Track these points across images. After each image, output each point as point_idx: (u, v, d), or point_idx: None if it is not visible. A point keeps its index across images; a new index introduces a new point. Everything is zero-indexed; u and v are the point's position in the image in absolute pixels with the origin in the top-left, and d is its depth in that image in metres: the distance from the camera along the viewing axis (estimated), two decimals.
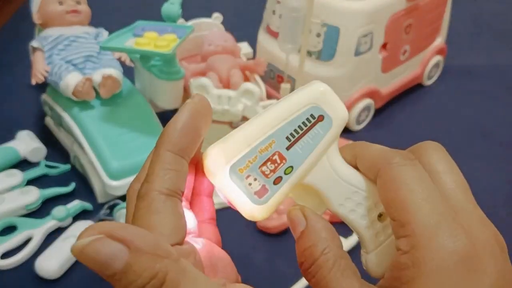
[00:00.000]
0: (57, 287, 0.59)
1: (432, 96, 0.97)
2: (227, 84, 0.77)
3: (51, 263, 0.59)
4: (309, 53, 0.80)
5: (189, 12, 0.91)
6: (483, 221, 0.22)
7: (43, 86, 0.77)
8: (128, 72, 0.79)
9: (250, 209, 0.23)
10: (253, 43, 0.95)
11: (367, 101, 0.85)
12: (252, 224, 0.68)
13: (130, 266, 0.17)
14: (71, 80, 0.69)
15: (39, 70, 0.72)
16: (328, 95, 0.24)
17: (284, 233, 0.67)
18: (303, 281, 0.59)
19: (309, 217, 0.23)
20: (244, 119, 0.69)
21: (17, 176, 0.71)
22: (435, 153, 0.24)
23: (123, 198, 0.69)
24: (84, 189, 0.72)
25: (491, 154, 0.84)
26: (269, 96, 0.86)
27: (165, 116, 0.78)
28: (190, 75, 0.79)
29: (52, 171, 0.74)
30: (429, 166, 0.23)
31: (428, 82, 1.00)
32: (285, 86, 0.79)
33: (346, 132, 0.85)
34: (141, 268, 0.18)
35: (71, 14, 0.77)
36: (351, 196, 0.24)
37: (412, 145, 0.25)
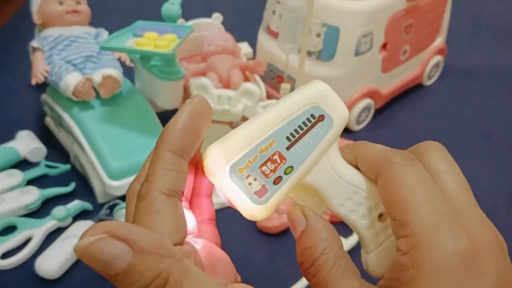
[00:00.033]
0: (57, 287, 0.59)
1: (432, 96, 0.97)
2: (227, 84, 0.77)
3: (51, 263, 0.59)
4: (309, 53, 0.80)
5: (189, 12, 0.91)
6: (483, 221, 0.22)
7: (43, 86, 0.77)
8: (128, 72, 0.79)
9: (250, 209, 0.23)
10: (253, 43, 0.95)
11: (367, 101, 0.85)
12: (252, 224, 0.68)
13: (133, 266, 0.17)
14: (71, 80, 0.69)
15: (39, 70, 0.72)
16: (329, 95, 0.24)
17: (284, 233, 0.67)
18: (303, 281, 0.59)
19: (309, 217, 0.23)
20: (244, 119, 0.69)
21: (17, 176, 0.71)
22: (435, 153, 0.24)
23: (123, 198, 0.69)
24: (84, 189, 0.72)
25: (491, 154, 0.84)
26: (269, 96, 0.86)
27: (165, 116, 0.78)
28: (190, 75, 0.79)
29: (52, 171, 0.74)
30: (429, 166, 0.23)
31: (428, 82, 1.00)
32: (285, 86, 0.79)
33: (346, 132, 0.85)
34: (145, 268, 0.18)
35: (71, 14, 0.77)
36: (351, 196, 0.24)
37: (412, 145, 0.25)
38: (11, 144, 0.76)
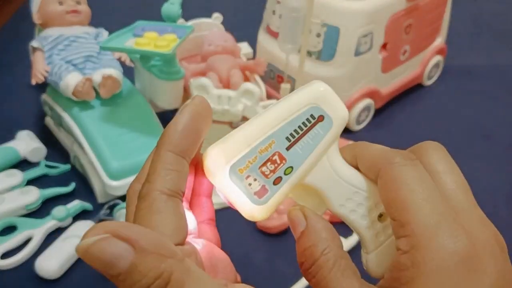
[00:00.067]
0: (57, 287, 0.59)
1: (432, 96, 0.97)
2: (227, 84, 0.77)
3: (51, 263, 0.59)
4: (309, 53, 0.80)
5: (189, 12, 0.91)
6: (483, 221, 0.22)
7: (43, 86, 0.77)
8: (128, 72, 0.79)
9: (250, 209, 0.23)
10: (253, 43, 0.95)
11: (367, 101, 0.85)
12: (252, 224, 0.68)
13: (135, 266, 0.17)
14: (71, 80, 0.69)
15: (39, 70, 0.72)
16: (328, 95, 0.24)
17: (284, 233, 0.67)
18: (303, 281, 0.59)
19: (309, 217, 0.23)
20: (244, 119, 0.69)
21: (17, 176, 0.71)
22: (435, 153, 0.24)
23: (123, 198, 0.69)
24: (84, 189, 0.72)
25: (491, 154, 0.84)
26: (269, 96, 0.86)
27: (165, 116, 0.78)
28: (190, 75, 0.79)
29: (52, 171, 0.74)
30: (429, 166, 0.23)
31: (428, 82, 1.00)
32: (285, 86, 0.79)
33: (346, 132, 0.85)
34: (146, 268, 0.18)
35: (71, 14, 0.77)
36: (351, 196, 0.24)
37: (412, 145, 0.25)
38: (11, 144, 0.76)
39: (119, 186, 0.66)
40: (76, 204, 0.67)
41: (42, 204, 0.69)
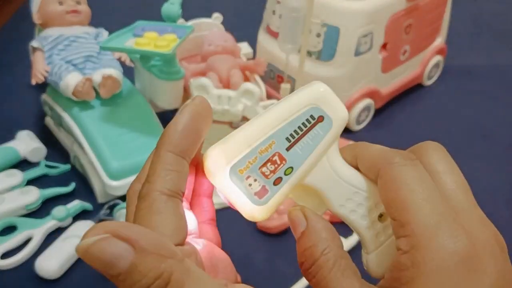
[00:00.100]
0: (57, 287, 0.59)
1: (432, 96, 0.97)
2: (227, 84, 0.77)
3: (51, 263, 0.59)
4: (309, 53, 0.80)
5: (189, 12, 0.91)
6: (483, 221, 0.22)
7: (43, 86, 0.77)
8: (128, 72, 0.79)
9: (250, 210, 0.23)
10: (253, 43, 0.95)
11: (367, 101, 0.85)
12: (252, 224, 0.68)
13: (135, 266, 0.17)
14: (71, 80, 0.69)
15: (39, 70, 0.72)
16: (328, 96, 0.24)
17: (284, 233, 0.67)
18: (303, 281, 0.59)
19: (309, 217, 0.23)
20: (244, 119, 0.69)
21: (17, 176, 0.71)
22: (435, 153, 0.24)
23: (123, 198, 0.69)
24: (84, 189, 0.72)
25: (491, 154, 0.84)
26: (269, 96, 0.86)
27: (165, 116, 0.78)
28: (190, 75, 0.79)
29: (52, 171, 0.74)
30: (429, 166, 0.23)
31: (428, 82, 1.00)
32: (285, 86, 0.79)
33: (346, 132, 0.85)
34: (146, 268, 0.18)
35: (71, 14, 0.77)
36: (351, 196, 0.24)
37: (412, 145, 0.25)
38: (11, 144, 0.76)
39: (119, 186, 0.66)
40: (76, 204, 0.67)
41: (42, 204, 0.69)
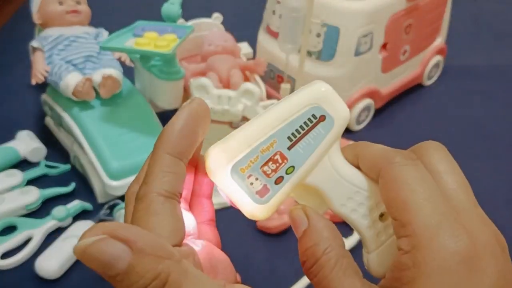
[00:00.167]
0: (57, 287, 0.59)
1: (432, 96, 0.97)
2: (227, 84, 0.77)
3: (51, 263, 0.59)
4: (309, 53, 0.80)
5: (189, 12, 0.91)
6: (484, 221, 0.22)
7: (43, 86, 0.77)
8: (128, 72, 0.79)
9: (252, 209, 0.23)
10: (253, 43, 0.95)
11: (367, 101, 0.85)
12: (252, 224, 0.68)
13: (133, 266, 0.17)
14: (71, 80, 0.69)
15: (39, 70, 0.72)
16: (330, 95, 0.24)
17: (284, 233, 0.67)
18: (303, 281, 0.59)
19: (311, 216, 0.23)
20: (244, 119, 0.69)
21: (17, 176, 0.71)
22: (436, 153, 0.24)
23: (123, 198, 0.69)
24: (84, 189, 0.72)
25: (491, 154, 0.84)
26: (269, 96, 0.86)
27: (165, 116, 0.78)
28: (190, 75, 0.79)
29: (52, 171, 0.74)
30: (430, 166, 0.23)
31: (428, 82, 1.00)
32: (285, 86, 0.79)
33: (346, 132, 0.85)
34: (144, 269, 0.18)
35: (71, 14, 0.77)
36: (352, 196, 0.24)
37: (412, 145, 0.25)
38: (11, 144, 0.76)
39: (119, 186, 0.66)
40: (76, 204, 0.67)
41: (42, 204, 0.69)
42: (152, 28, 0.72)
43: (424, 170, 0.22)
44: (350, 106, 0.83)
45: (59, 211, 0.65)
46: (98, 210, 0.69)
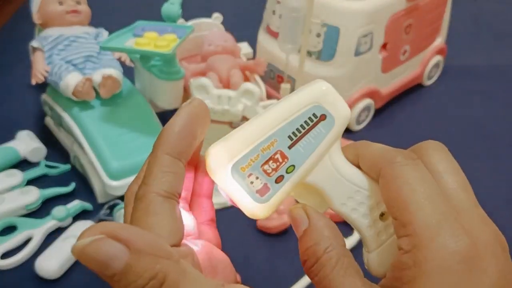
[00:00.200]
0: (57, 287, 0.59)
1: (432, 96, 0.97)
2: (227, 84, 0.77)
3: (51, 263, 0.59)
4: (309, 53, 0.80)
5: (189, 12, 0.91)
6: (484, 220, 0.22)
7: (43, 86, 0.77)
8: (128, 72, 0.79)
9: (252, 208, 0.23)
10: (253, 43, 0.95)
11: (367, 101, 0.85)
12: (252, 224, 0.68)
13: (130, 266, 0.17)
14: (71, 80, 0.69)
15: (39, 70, 0.72)
16: (331, 94, 0.24)
17: (284, 233, 0.67)
18: (303, 281, 0.59)
19: (311, 215, 0.23)
20: (244, 119, 0.69)
21: (17, 176, 0.71)
22: (436, 153, 0.24)
23: (123, 198, 0.68)
24: (84, 189, 0.72)
25: (491, 154, 0.84)
26: (269, 96, 0.86)
27: (165, 116, 0.78)
28: (190, 75, 0.79)
29: (52, 171, 0.74)
30: (430, 165, 0.23)
31: (428, 82, 1.00)
32: (285, 86, 0.79)
33: (346, 132, 0.85)
34: (141, 269, 0.18)
35: (71, 14, 0.77)
36: (353, 195, 0.24)
37: (412, 145, 0.25)
38: (11, 144, 0.76)
39: (119, 186, 0.66)
40: (76, 204, 0.67)
41: (42, 204, 0.69)
42: (152, 28, 0.72)
43: (424, 169, 0.22)
44: (350, 106, 0.83)
45: (59, 211, 0.65)
46: (98, 210, 0.69)
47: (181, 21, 0.80)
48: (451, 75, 1.02)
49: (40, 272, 0.59)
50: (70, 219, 0.66)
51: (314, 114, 0.24)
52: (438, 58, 0.98)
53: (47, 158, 0.77)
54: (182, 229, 0.22)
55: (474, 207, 0.22)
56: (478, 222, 0.22)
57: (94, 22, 0.81)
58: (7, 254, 0.62)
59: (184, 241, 0.23)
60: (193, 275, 0.19)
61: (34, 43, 0.75)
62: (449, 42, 1.00)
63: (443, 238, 0.20)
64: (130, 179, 0.65)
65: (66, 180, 0.73)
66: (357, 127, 0.86)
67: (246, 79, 0.81)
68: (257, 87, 0.69)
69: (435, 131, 0.88)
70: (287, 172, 0.23)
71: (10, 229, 0.64)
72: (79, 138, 0.70)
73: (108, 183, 0.66)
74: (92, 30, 0.79)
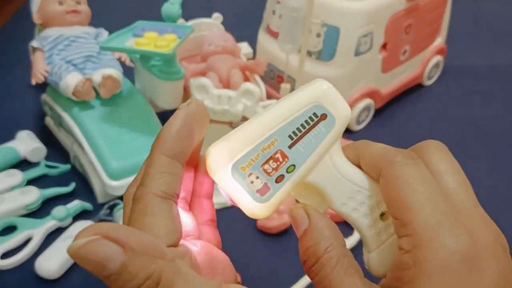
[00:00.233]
0: (57, 287, 0.59)
1: (432, 96, 0.97)
2: (227, 84, 0.77)
3: (51, 263, 0.59)
4: (309, 53, 0.80)
5: (189, 12, 0.91)
6: (485, 220, 0.22)
7: (43, 86, 0.77)
8: (128, 72, 0.79)
9: (252, 207, 0.23)
10: (253, 43, 0.95)
11: (367, 101, 0.85)
12: (252, 224, 0.68)
13: (126, 267, 0.18)
14: (71, 80, 0.69)
15: (39, 70, 0.72)
16: (331, 94, 0.24)
17: (284, 233, 0.67)
18: (303, 281, 0.59)
19: (312, 215, 0.23)
20: (244, 119, 0.69)
21: (17, 176, 0.71)
22: (437, 153, 0.24)
23: (123, 198, 0.69)
24: (84, 189, 0.72)
25: (491, 154, 0.84)
26: (269, 96, 0.86)
27: (165, 116, 0.78)
28: (190, 75, 0.79)
29: (52, 171, 0.74)
30: (431, 165, 0.23)
31: (428, 82, 1.00)
32: (285, 86, 0.79)
33: (346, 132, 0.85)
34: (136, 269, 0.18)
35: (71, 14, 0.77)
36: (353, 195, 0.24)
37: (412, 145, 0.25)
38: (11, 144, 0.75)
39: (119, 186, 0.66)
40: (76, 204, 0.67)
41: (42, 204, 0.69)
42: (152, 28, 0.72)
43: (425, 169, 0.22)
44: (350, 106, 0.83)
45: (59, 211, 0.65)
46: (98, 210, 0.69)
47: (181, 21, 0.80)
48: (451, 75, 1.02)
49: (40, 272, 0.59)
50: (70, 219, 0.66)
51: (314, 114, 0.24)
52: (438, 58, 0.98)
53: (47, 158, 0.77)
54: (180, 230, 0.22)
55: (475, 207, 0.22)
56: (478, 222, 0.22)
57: (94, 22, 0.81)
58: (7, 254, 0.62)
59: (183, 241, 0.23)
60: (188, 275, 0.19)
61: (34, 43, 0.75)
62: (449, 42, 1.00)
63: (444, 238, 0.20)
64: (130, 179, 0.65)
65: (66, 180, 0.73)
66: (357, 127, 0.86)
67: (246, 79, 0.81)
68: (257, 87, 0.69)
69: (435, 131, 0.88)
70: (287, 172, 0.23)
71: (10, 229, 0.64)
72: (79, 138, 0.70)
73: (108, 183, 0.66)
74: (92, 30, 0.79)
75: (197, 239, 0.24)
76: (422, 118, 0.92)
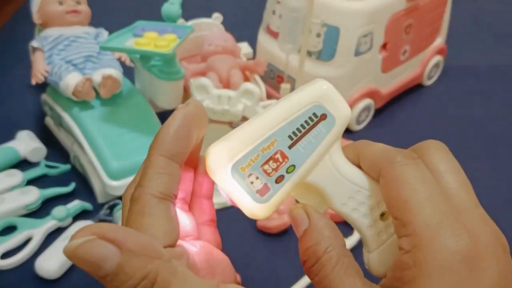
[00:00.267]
0: (57, 287, 0.59)
1: (432, 96, 0.97)
2: (227, 84, 0.77)
3: (51, 263, 0.59)
4: (309, 53, 0.80)
5: (189, 12, 0.91)
6: (485, 220, 0.22)
7: (43, 86, 0.77)
8: (128, 72, 0.79)
9: (252, 208, 0.23)
10: (253, 43, 0.95)
11: (367, 101, 0.85)
12: (252, 224, 0.68)
13: (122, 267, 0.18)
14: (71, 80, 0.69)
15: (39, 70, 0.72)
16: (331, 94, 0.24)
17: (284, 233, 0.67)
18: (303, 281, 0.59)
19: (311, 215, 0.23)
20: (244, 119, 0.69)
21: (17, 176, 0.71)
22: (437, 153, 0.24)
23: (122, 198, 0.69)
24: (84, 189, 0.72)
25: (491, 154, 0.84)
26: (269, 96, 0.86)
27: (165, 116, 0.77)
28: (190, 75, 0.79)
29: (52, 171, 0.74)
30: (431, 165, 0.23)
31: (428, 82, 1.00)
32: (285, 86, 0.79)
33: (346, 132, 0.85)
34: (132, 269, 0.18)
35: (71, 14, 0.77)
36: (353, 195, 0.24)
37: (412, 145, 0.25)
38: (11, 144, 0.75)
39: (119, 186, 0.66)
40: (76, 204, 0.67)
41: (42, 204, 0.69)
42: (152, 28, 0.72)
43: (425, 169, 0.22)
44: (350, 106, 0.83)
45: (59, 211, 0.65)
46: (98, 210, 0.69)
47: (181, 21, 0.80)
48: (451, 75, 1.02)
49: (40, 272, 0.59)
50: (70, 219, 0.66)
51: (314, 114, 0.24)
52: (438, 58, 0.98)
53: (47, 158, 0.77)
54: (178, 230, 0.22)
55: (475, 207, 0.22)
56: (479, 222, 0.22)
57: (94, 22, 0.81)
58: (7, 254, 0.62)
59: (182, 242, 0.23)
60: (184, 275, 0.19)
61: (34, 43, 0.75)
62: (449, 42, 1.00)
63: (444, 238, 0.20)
64: (130, 179, 0.65)
65: (66, 180, 0.72)
66: (357, 127, 0.86)
67: (246, 79, 0.81)
68: (257, 87, 0.69)
69: (435, 131, 0.88)
70: (287, 172, 0.23)
71: (10, 229, 0.64)
72: (79, 138, 0.70)
73: (108, 183, 0.66)
74: (92, 30, 0.79)
75: (197, 240, 0.24)
76: (422, 118, 0.92)
